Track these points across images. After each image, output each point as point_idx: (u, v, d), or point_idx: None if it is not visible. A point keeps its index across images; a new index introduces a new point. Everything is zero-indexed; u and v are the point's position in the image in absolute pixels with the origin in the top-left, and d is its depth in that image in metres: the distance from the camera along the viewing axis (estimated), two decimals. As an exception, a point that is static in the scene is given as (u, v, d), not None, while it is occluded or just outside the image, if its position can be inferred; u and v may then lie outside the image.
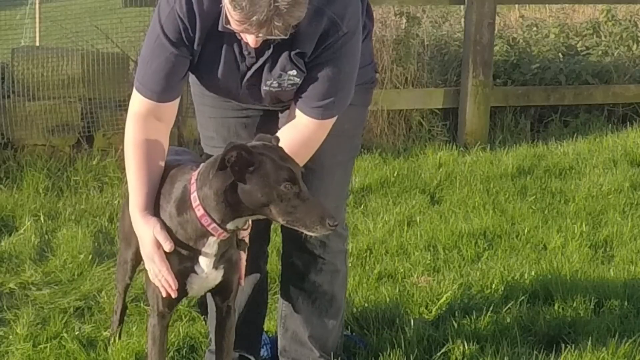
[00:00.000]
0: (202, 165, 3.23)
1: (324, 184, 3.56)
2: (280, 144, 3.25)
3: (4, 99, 6.41)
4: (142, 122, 3.32)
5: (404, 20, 8.03)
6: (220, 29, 3.19)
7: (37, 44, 7.06)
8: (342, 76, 3.32)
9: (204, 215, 3.15)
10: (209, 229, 3.16)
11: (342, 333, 3.92)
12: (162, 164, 3.35)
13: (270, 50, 3.25)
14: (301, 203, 3.08)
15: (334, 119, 3.41)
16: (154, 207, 3.29)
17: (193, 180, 3.19)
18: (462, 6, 8.15)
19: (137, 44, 7.10)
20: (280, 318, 3.85)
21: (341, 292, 3.83)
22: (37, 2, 7.08)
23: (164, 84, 3.29)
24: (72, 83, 6.56)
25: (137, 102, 3.34)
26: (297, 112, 3.37)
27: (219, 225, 3.15)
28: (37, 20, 7.10)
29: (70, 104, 6.56)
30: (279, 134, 3.35)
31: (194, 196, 3.16)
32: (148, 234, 3.24)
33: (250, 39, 3.16)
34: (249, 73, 3.33)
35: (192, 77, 3.57)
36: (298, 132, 3.36)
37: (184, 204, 3.20)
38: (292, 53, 3.25)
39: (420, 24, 8.21)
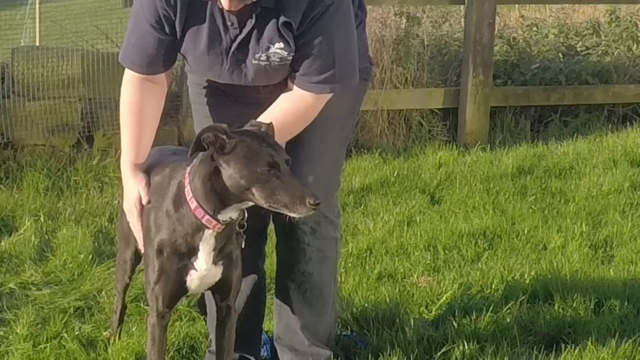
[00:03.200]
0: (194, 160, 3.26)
1: (313, 170, 3.58)
2: (274, 114, 3.31)
3: (4, 99, 6.41)
4: (137, 84, 3.42)
5: (404, 20, 8.03)
6: None
7: (37, 44, 7.06)
8: (337, 48, 3.31)
9: (197, 208, 3.18)
10: (203, 221, 3.19)
11: (334, 320, 3.95)
12: (156, 123, 3.48)
13: (254, 20, 3.24)
14: (281, 184, 3.09)
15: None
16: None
17: (186, 175, 3.23)
18: (462, 6, 8.15)
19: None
20: (276, 306, 3.89)
21: (330, 280, 3.85)
22: (37, 2, 7.08)
23: (145, 59, 3.37)
24: (72, 83, 6.56)
25: (128, 70, 3.45)
26: (296, 89, 3.37)
27: (211, 216, 3.18)
28: (37, 20, 7.09)
29: (70, 104, 6.56)
30: (274, 104, 3.37)
31: (187, 190, 3.20)
32: (134, 189, 3.38)
33: (224, 2, 3.17)
34: (234, 45, 3.30)
35: (190, 77, 3.60)
36: (293, 103, 3.37)
37: (179, 200, 3.24)
38: (279, 23, 3.23)
39: (420, 24, 8.20)
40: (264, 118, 3.33)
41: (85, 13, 7.26)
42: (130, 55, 3.40)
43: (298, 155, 3.51)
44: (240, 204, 3.19)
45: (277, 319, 3.89)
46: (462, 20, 8.16)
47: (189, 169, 3.24)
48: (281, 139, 3.31)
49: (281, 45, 3.26)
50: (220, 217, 3.19)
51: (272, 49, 3.27)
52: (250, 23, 3.25)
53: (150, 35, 3.32)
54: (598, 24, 9.22)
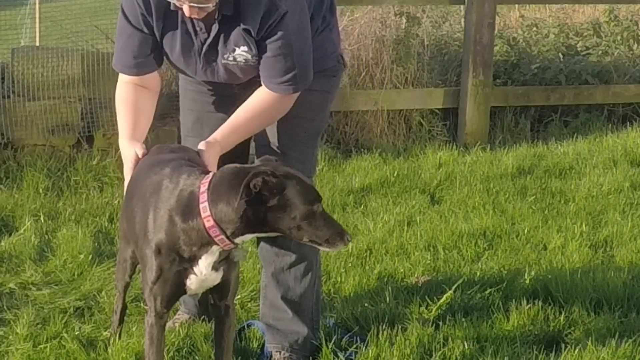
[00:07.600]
0: (215, 174, 3.21)
1: (286, 158, 3.70)
2: (247, 105, 3.56)
3: (4, 99, 6.40)
4: (130, 86, 3.68)
5: (404, 20, 8.03)
6: (172, 8, 3.47)
7: (37, 44, 7.06)
8: (296, 51, 3.56)
9: (214, 227, 3.13)
10: (216, 239, 3.16)
11: (318, 303, 4.03)
12: (151, 114, 3.74)
13: (217, 27, 3.51)
14: (323, 221, 3.17)
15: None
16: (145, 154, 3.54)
17: (203, 189, 3.15)
18: (462, 6, 8.15)
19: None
20: (262, 289, 4.02)
21: (312, 256, 3.93)
22: (37, 2, 7.08)
23: (133, 60, 3.63)
24: (72, 83, 6.56)
25: (121, 74, 3.72)
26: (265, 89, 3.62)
27: (227, 237, 3.15)
28: (37, 20, 7.09)
29: (70, 104, 6.55)
30: (248, 99, 3.60)
31: (204, 206, 3.13)
32: (131, 152, 3.54)
33: (185, 9, 3.42)
34: (204, 47, 3.58)
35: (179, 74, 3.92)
36: (265, 93, 3.61)
37: (190, 212, 3.17)
38: (241, 29, 3.51)
39: (420, 24, 8.20)
40: (241, 109, 3.58)
41: (85, 13, 7.27)
42: (120, 59, 3.67)
43: (271, 144, 3.77)
44: (266, 234, 3.22)
45: (262, 299, 4.02)
46: (462, 20, 8.15)
47: (205, 182, 3.17)
48: (255, 129, 3.62)
49: (245, 48, 3.55)
50: (236, 240, 3.18)
51: (237, 51, 3.56)
52: (214, 28, 3.53)
53: (135, 35, 3.59)
54: (598, 24, 9.21)
